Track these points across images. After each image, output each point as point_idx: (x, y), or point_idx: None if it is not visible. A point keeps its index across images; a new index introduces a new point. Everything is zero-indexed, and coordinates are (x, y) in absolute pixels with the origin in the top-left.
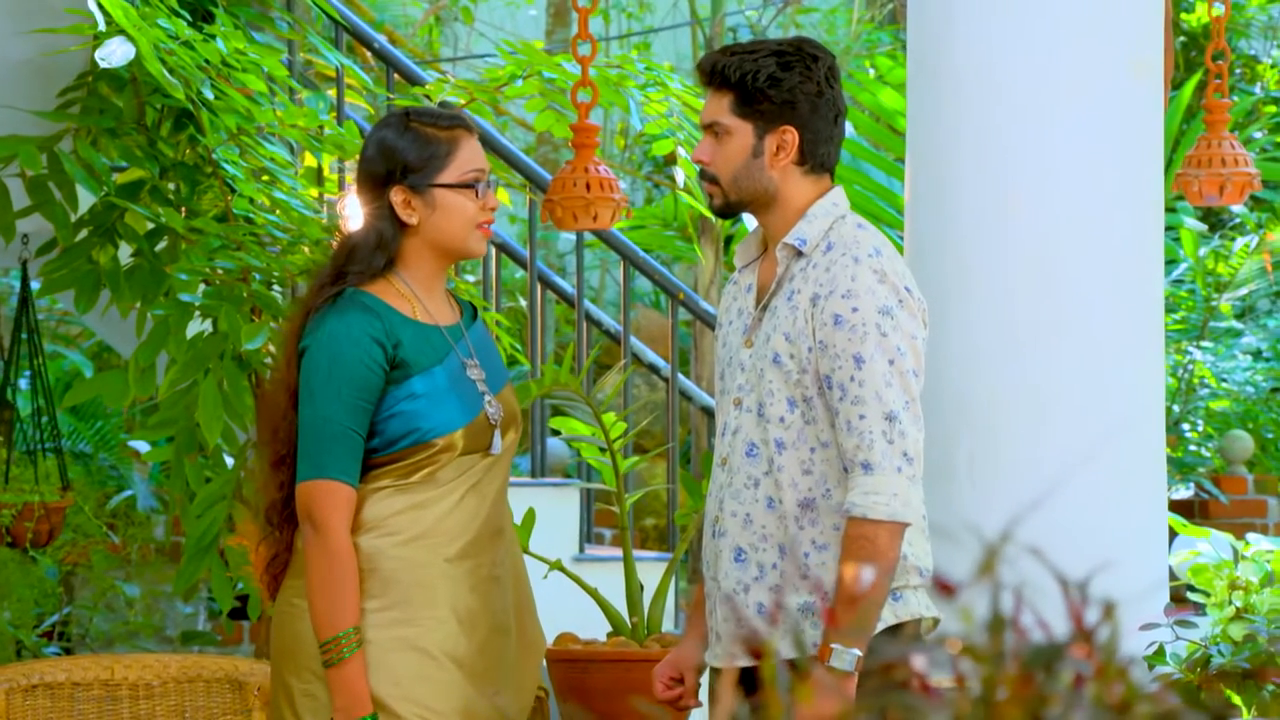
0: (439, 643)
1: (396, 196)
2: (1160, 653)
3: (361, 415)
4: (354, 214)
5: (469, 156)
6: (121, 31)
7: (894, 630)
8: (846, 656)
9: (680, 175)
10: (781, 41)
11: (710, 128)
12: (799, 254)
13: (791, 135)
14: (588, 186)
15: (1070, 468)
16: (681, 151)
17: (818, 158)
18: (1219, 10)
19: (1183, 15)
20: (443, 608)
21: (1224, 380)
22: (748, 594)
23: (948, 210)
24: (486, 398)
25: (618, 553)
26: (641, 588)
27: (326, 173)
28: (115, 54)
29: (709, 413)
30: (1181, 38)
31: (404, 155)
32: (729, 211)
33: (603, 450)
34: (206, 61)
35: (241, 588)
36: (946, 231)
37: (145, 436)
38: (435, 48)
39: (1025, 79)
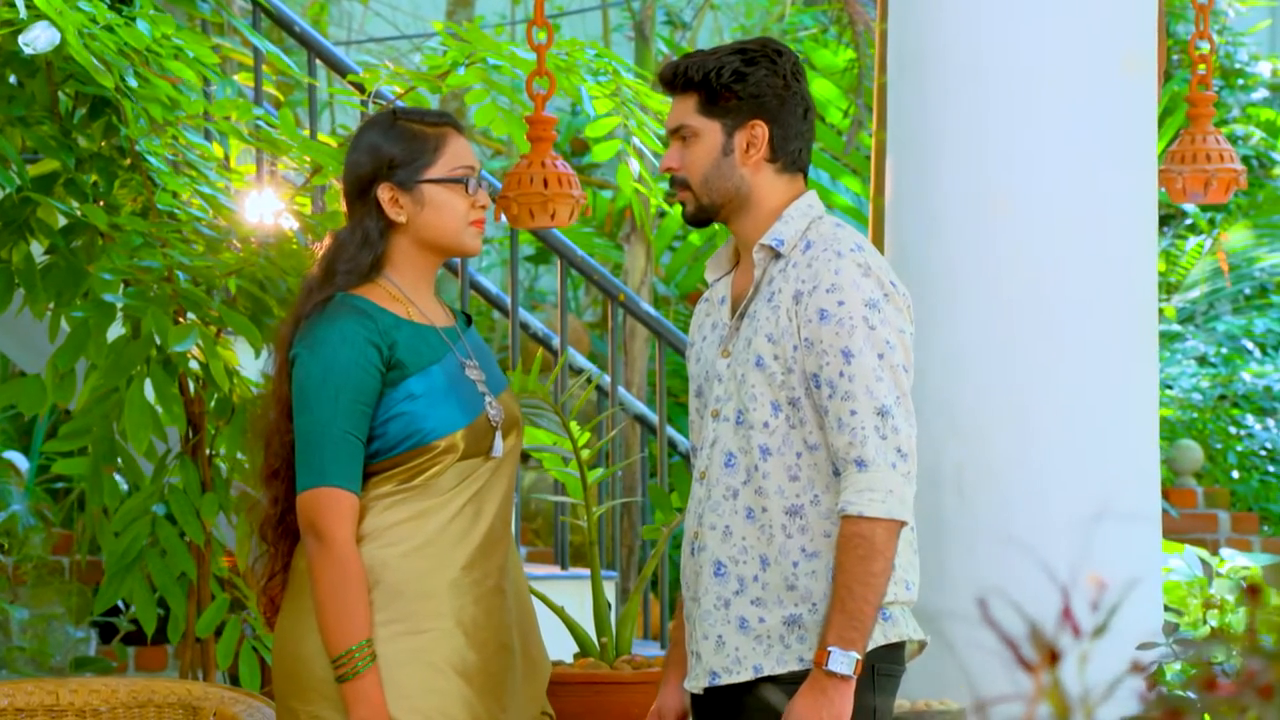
0: (446, 655)
1: (384, 194)
2: (1161, 672)
3: (360, 420)
4: (256, 211)
5: (458, 153)
6: (44, 16)
7: (885, 651)
8: (845, 659)
9: (635, 166)
10: (743, 41)
11: (677, 132)
12: (776, 255)
13: (761, 130)
14: (545, 182)
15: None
16: (635, 141)
17: (789, 154)
18: None
19: None
20: (448, 619)
21: (1169, 387)
22: (728, 609)
23: (932, 210)
24: (487, 399)
25: (555, 570)
26: (609, 606)
27: (233, 164)
28: (40, 39)
29: (643, 422)
30: None
31: (390, 152)
32: (702, 217)
33: (566, 461)
34: (129, 46)
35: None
36: (930, 232)
37: (58, 447)
38: (324, 28)
39: (1012, 72)
